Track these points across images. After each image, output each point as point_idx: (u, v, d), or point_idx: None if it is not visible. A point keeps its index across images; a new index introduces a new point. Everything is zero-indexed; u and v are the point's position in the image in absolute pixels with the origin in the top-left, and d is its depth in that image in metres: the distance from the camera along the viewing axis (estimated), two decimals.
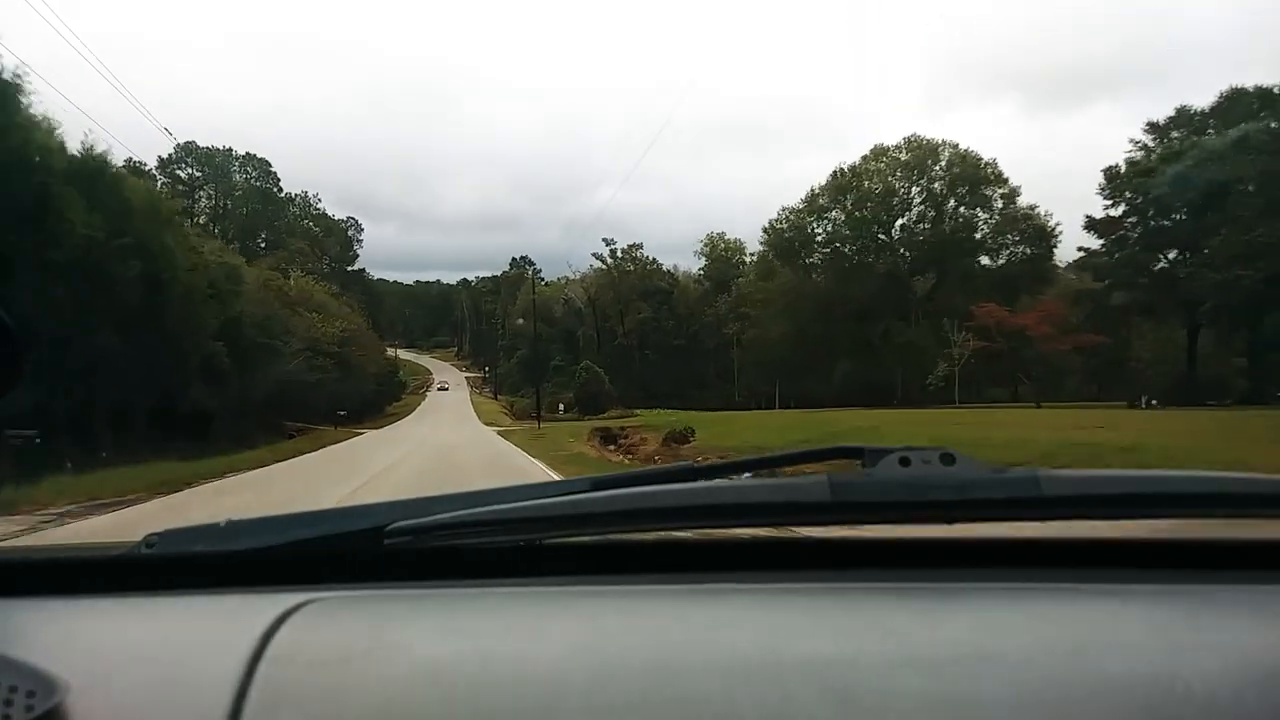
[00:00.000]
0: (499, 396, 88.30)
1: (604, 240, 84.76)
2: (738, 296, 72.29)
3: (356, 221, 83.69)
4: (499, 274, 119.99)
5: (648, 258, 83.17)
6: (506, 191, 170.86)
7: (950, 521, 0.82)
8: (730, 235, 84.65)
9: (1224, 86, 39.16)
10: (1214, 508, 0.84)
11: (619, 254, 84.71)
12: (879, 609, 0.74)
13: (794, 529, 0.86)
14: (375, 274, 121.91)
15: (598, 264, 75.66)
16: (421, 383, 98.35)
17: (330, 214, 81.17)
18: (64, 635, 0.77)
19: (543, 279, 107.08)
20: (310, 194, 77.41)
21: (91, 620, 0.80)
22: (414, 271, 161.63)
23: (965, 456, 0.80)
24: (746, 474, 0.97)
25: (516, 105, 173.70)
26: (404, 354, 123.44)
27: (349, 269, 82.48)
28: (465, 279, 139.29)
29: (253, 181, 69.21)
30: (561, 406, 55.64)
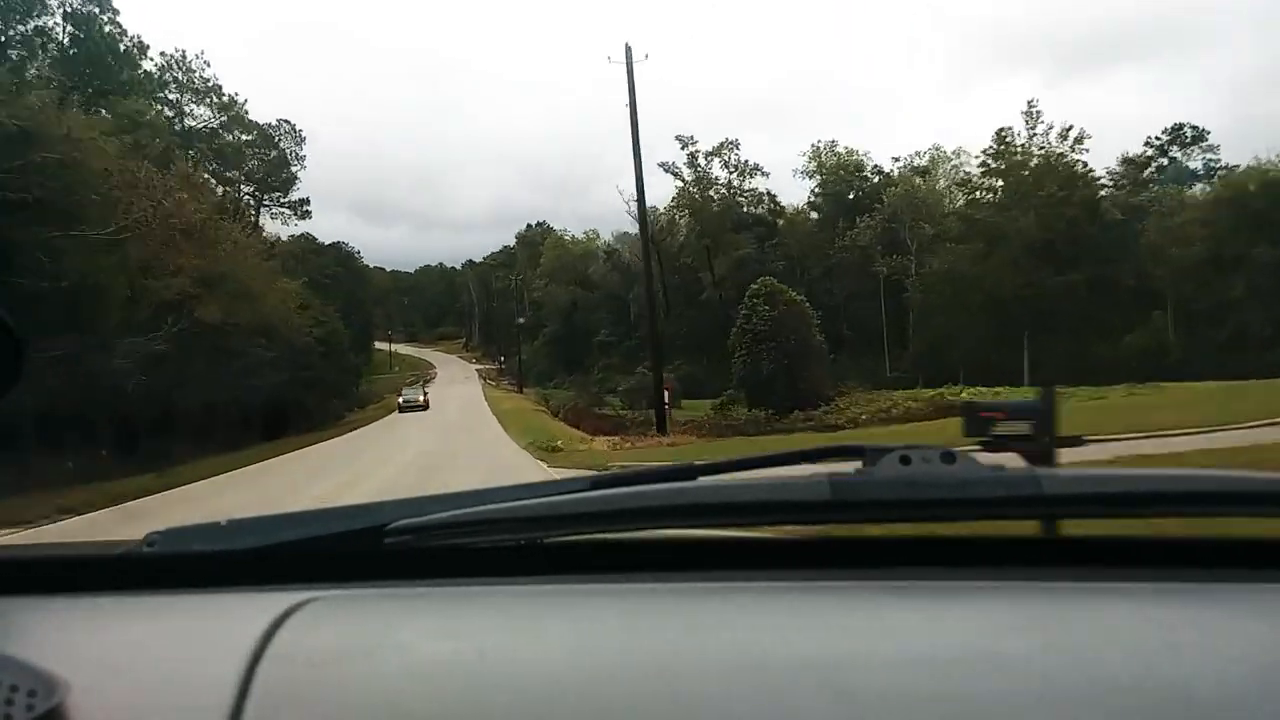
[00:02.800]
0: (524, 389, 63.35)
1: (678, 140, 47.07)
2: (888, 215, 50.81)
3: (293, 128, 49.84)
4: (512, 244, 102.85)
5: (746, 162, 47.23)
6: (520, 187, 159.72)
7: (951, 520, 0.84)
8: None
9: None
10: (1215, 506, 0.85)
11: (702, 161, 48.46)
12: (879, 609, 0.74)
13: (794, 528, 0.88)
14: (372, 263, 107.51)
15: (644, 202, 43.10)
16: (419, 377, 78.86)
17: (238, 99, 45.64)
18: (64, 635, 0.78)
19: (569, 234, 70.58)
20: (193, 54, 43.08)
21: (92, 620, 0.81)
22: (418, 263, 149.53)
23: (966, 455, 0.81)
24: (746, 472, 0.98)
25: (527, 98, 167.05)
26: (403, 348, 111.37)
27: (282, 199, 47.22)
28: (471, 260, 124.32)
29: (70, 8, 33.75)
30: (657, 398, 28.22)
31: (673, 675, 0.64)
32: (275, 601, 0.76)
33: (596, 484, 0.91)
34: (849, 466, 0.85)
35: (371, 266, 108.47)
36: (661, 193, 69.56)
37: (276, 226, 58.07)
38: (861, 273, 50.28)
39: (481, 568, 0.89)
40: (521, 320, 73.31)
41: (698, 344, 54.58)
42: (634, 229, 66.01)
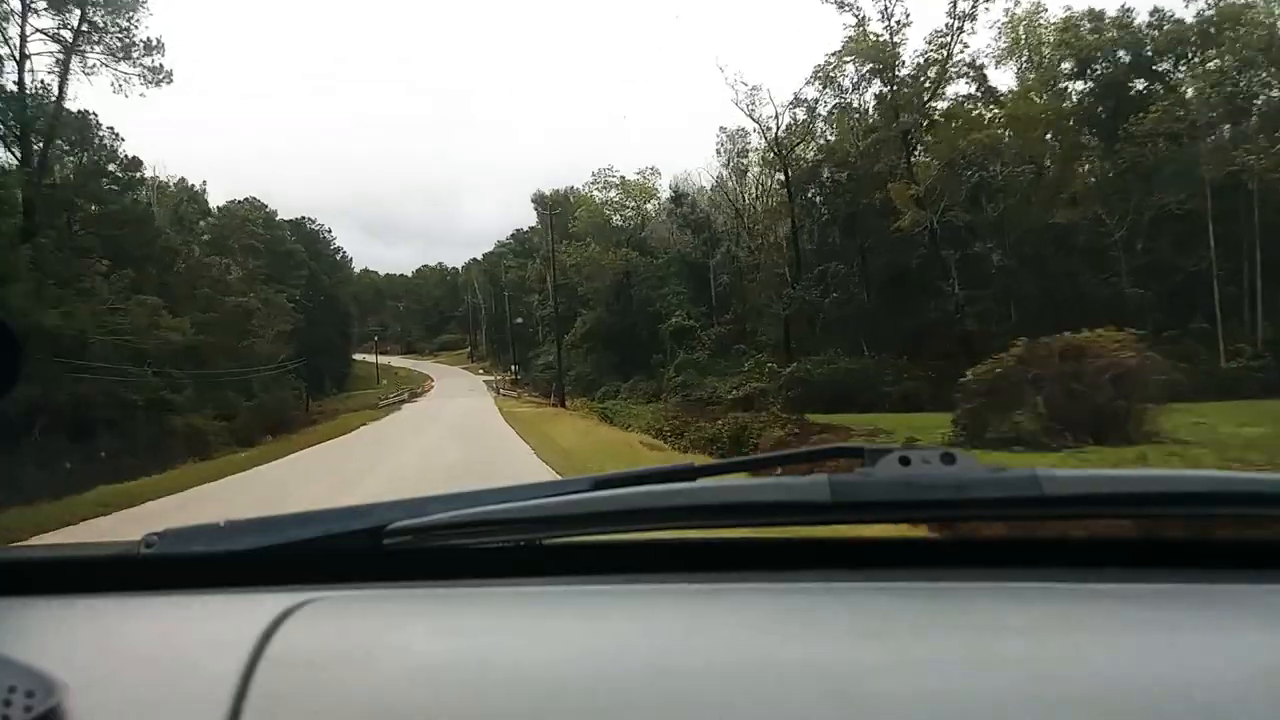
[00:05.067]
0: (565, 403, 43.43)
1: None
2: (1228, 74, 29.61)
3: None
4: (526, 227, 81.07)
5: None
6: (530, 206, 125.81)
7: (950, 521, 0.91)
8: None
9: None
10: (1214, 507, 0.91)
11: None
12: (879, 609, 0.79)
13: (794, 529, 0.93)
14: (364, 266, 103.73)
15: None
16: (411, 391, 62.28)
17: None
18: (63, 635, 0.83)
19: (616, 174, 40.18)
20: None
21: (91, 620, 0.87)
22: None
23: (966, 456, 0.87)
24: (747, 473, 1.08)
25: (537, 117, 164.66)
26: (398, 361, 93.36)
27: (116, 52, 19.49)
28: (475, 259, 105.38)
29: None
30: None
31: (673, 675, 0.67)
32: (274, 602, 0.80)
33: (597, 484, 0.96)
34: (849, 467, 0.91)
35: (360, 269, 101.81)
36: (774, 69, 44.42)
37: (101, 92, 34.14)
38: (1148, 185, 24.75)
39: (481, 568, 0.95)
40: (541, 314, 49.63)
41: (883, 320, 29.20)
42: (707, 173, 42.47)
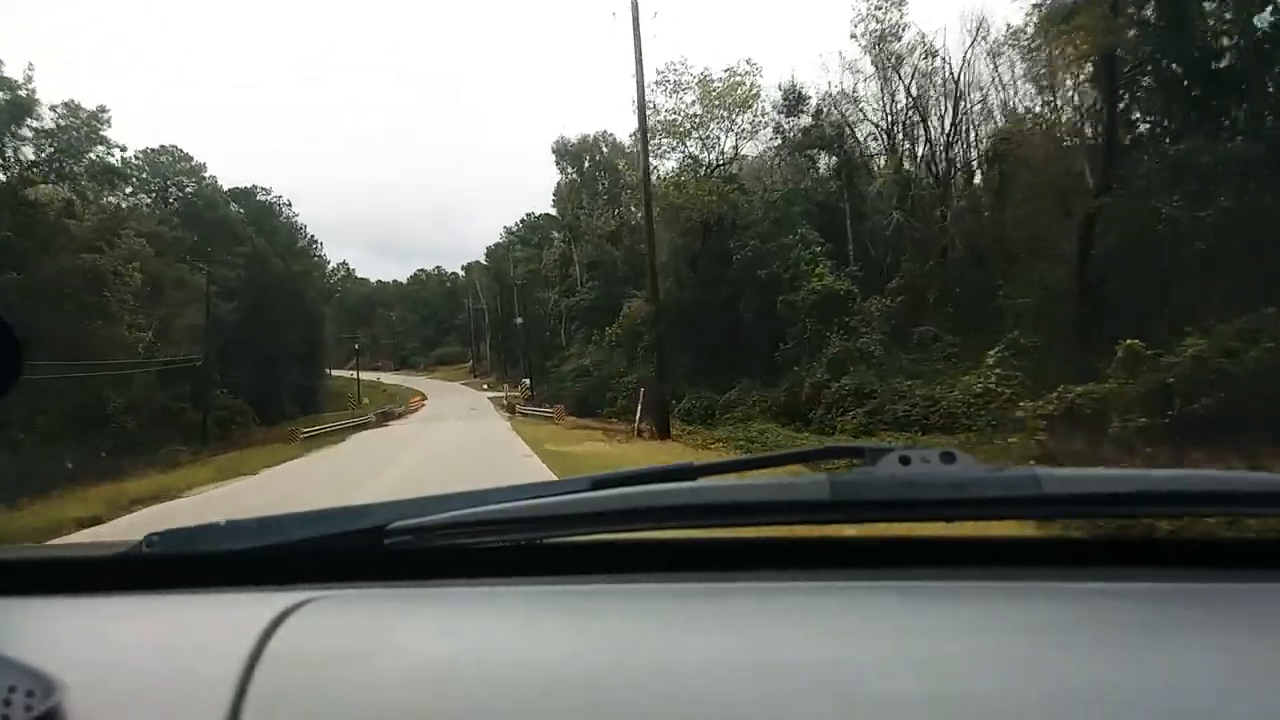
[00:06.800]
0: (670, 430, 23.83)
1: None
2: None
3: None
4: (538, 211, 72.95)
5: None
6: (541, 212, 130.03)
7: (950, 520, 0.89)
8: None
9: None
10: (1213, 507, 0.94)
11: None
12: (879, 608, 0.80)
13: (794, 528, 0.94)
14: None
15: None
16: (383, 412, 53.15)
17: None
18: (64, 635, 0.85)
19: (692, 71, 14.77)
20: None
21: (91, 620, 0.89)
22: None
23: (966, 455, 0.88)
24: (746, 473, 1.11)
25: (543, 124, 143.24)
26: (389, 378, 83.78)
27: None
28: (479, 260, 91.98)
29: None
30: None
31: (673, 675, 0.68)
32: (274, 602, 0.80)
33: (597, 484, 0.98)
34: (849, 467, 0.94)
35: (338, 263, 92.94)
36: None
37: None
38: None
39: (481, 568, 0.96)
40: (571, 302, 45.41)
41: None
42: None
